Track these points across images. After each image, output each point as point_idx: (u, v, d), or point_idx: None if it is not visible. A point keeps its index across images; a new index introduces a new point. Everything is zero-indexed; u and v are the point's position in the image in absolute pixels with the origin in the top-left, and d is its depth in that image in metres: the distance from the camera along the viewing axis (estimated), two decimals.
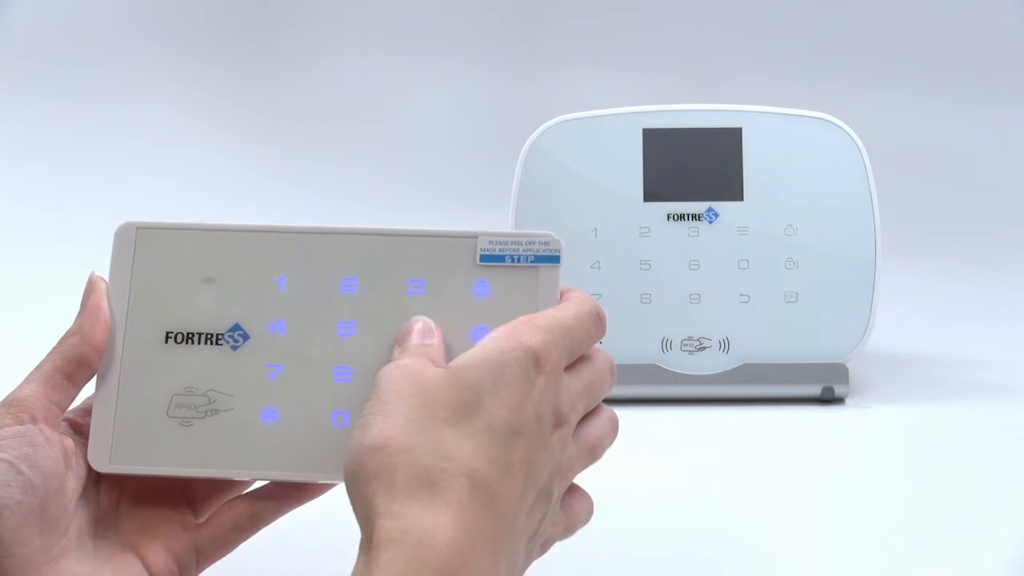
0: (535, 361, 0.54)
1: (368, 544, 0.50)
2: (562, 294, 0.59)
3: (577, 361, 0.58)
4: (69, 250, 1.33)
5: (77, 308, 0.60)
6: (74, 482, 0.58)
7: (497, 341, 0.54)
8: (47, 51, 1.61)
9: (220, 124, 1.57)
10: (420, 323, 0.58)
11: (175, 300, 0.60)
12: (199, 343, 0.60)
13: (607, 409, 0.59)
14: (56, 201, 1.47)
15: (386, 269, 0.60)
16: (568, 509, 0.58)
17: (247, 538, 0.61)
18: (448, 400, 0.53)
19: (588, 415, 0.58)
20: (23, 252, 1.36)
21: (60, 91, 1.58)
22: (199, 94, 1.59)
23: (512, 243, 0.60)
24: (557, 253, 0.60)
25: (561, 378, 0.55)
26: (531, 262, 0.60)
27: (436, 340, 0.57)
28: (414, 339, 0.57)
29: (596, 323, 0.58)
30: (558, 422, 0.55)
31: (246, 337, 0.60)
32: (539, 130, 1.04)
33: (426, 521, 0.49)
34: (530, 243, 0.60)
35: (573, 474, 0.57)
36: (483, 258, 0.60)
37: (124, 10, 1.62)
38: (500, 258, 0.60)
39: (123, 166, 1.52)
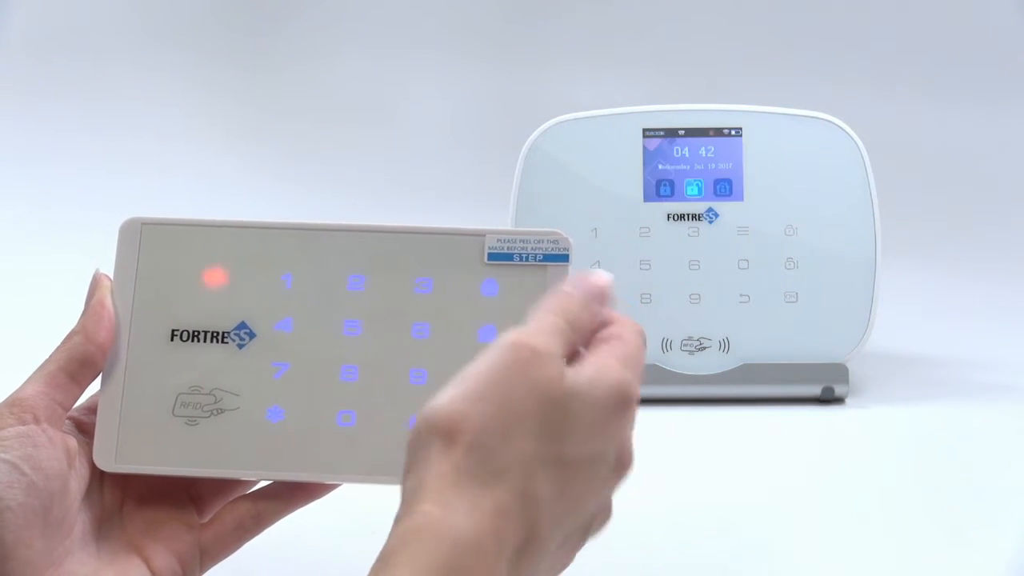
0: (623, 400, 0.52)
1: (407, 513, 0.48)
2: (612, 320, 0.56)
3: None
4: (72, 248, 1.33)
5: (81, 306, 0.60)
6: (77, 482, 0.57)
7: (594, 377, 0.52)
8: (47, 49, 1.61)
9: (220, 123, 1.57)
10: (599, 277, 0.55)
11: (181, 297, 0.60)
12: (205, 341, 0.60)
13: None
14: (58, 198, 1.47)
15: (394, 267, 0.60)
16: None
17: (251, 538, 0.61)
18: (542, 419, 0.50)
19: None
20: (25, 250, 1.36)
21: (60, 89, 1.58)
22: (199, 92, 1.59)
23: (521, 241, 0.59)
24: (566, 251, 0.60)
25: (634, 419, 0.54)
26: (540, 261, 0.59)
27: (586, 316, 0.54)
28: (569, 306, 0.54)
29: (645, 352, 0.56)
30: (623, 462, 0.54)
31: (252, 335, 0.60)
32: (539, 130, 1.04)
33: (470, 522, 0.48)
34: (539, 241, 0.60)
35: (611, 512, 0.55)
36: (491, 256, 0.59)
37: (125, 9, 1.62)
38: (508, 256, 0.59)
39: (124, 164, 1.52)
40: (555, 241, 0.59)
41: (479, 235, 0.60)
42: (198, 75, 1.59)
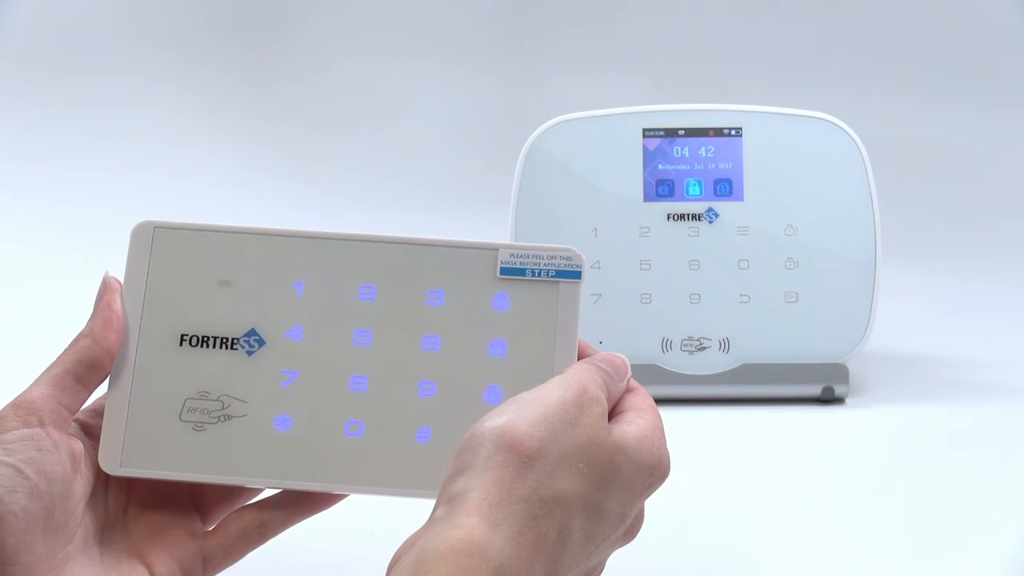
0: (661, 472, 0.55)
1: (450, 518, 0.49)
2: (635, 388, 0.59)
3: None
4: (74, 248, 1.33)
5: (89, 309, 0.59)
6: (82, 486, 0.57)
7: (642, 441, 0.54)
8: (49, 54, 1.61)
9: (221, 126, 1.57)
10: (621, 359, 0.58)
11: (191, 302, 0.60)
12: (214, 347, 0.59)
13: None
14: (62, 202, 1.47)
15: (405, 278, 0.59)
16: None
17: (255, 548, 0.60)
18: (596, 464, 0.52)
19: None
20: (33, 253, 1.36)
21: (62, 94, 1.58)
22: (200, 97, 1.59)
23: (533, 256, 0.59)
24: (579, 269, 0.59)
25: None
26: (552, 277, 0.59)
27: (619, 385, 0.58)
28: (609, 371, 0.57)
29: None
30: (635, 528, 0.56)
31: (262, 343, 0.59)
32: (539, 130, 1.04)
33: (512, 549, 0.49)
34: (551, 257, 0.59)
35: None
36: (504, 271, 0.59)
37: (126, 14, 1.62)
38: (521, 271, 0.59)
39: (127, 167, 1.52)
40: (568, 258, 0.59)
41: (492, 249, 0.59)
42: (201, 80, 1.59)
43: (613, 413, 0.56)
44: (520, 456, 0.50)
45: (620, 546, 0.56)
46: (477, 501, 0.49)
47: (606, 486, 0.52)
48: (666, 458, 0.55)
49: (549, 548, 0.50)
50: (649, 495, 0.55)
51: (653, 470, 0.54)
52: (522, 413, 0.52)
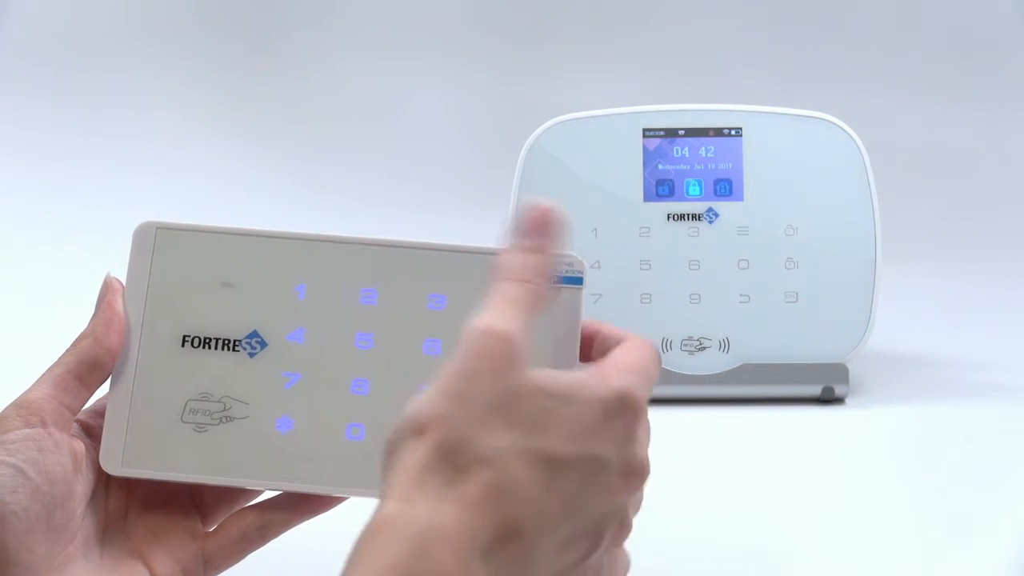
0: (621, 405, 0.51)
1: (372, 516, 0.48)
2: (625, 338, 0.56)
3: None
4: (76, 249, 1.33)
5: (91, 309, 0.59)
6: (83, 486, 0.57)
7: (590, 376, 0.52)
8: (47, 53, 1.61)
9: (221, 126, 1.57)
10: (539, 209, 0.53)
11: (193, 303, 0.59)
12: (216, 348, 0.59)
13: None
14: (63, 201, 1.47)
15: (408, 282, 0.59)
16: (613, 563, 0.55)
17: (255, 549, 0.60)
18: (515, 413, 0.49)
19: None
20: (34, 252, 1.36)
21: (62, 94, 1.58)
22: (200, 97, 1.59)
23: None
24: (580, 275, 0.59)
25: (641, 425, 0.53)
26: (554, 283, 0.59)
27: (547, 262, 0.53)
28: (521, 270, 0.53)
29: (659, 368, 0.56)
30: (630, 469, 0.52)
31: (264, 344, 0.59)
32: (539, 130, 1.04)
33: (432, 514, 0.47)
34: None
35: (631, 527, 0.54)
36: None
37: (126, 14, 1.62)
38: None
39: (127, 168, 1.52)
40: (570, 264, 0.59)
41: (495, 253, 0.59)
42: (201, 80, 1.59)
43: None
44: (423, 434, 0.48)
45: (625, 494, 0.52)
46: (392, 490, 0.48)
47: (539, 431, 0.49)
48: (624, 391, 0.51)
49: (486, 506, 0.47)
50: (627, 432, 0.52)
51: (607, 404, 0.51)
52: (425, 393, 0.50)
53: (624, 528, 0.53)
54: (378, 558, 0.46)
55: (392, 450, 0.49)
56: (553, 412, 0.50)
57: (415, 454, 0.48)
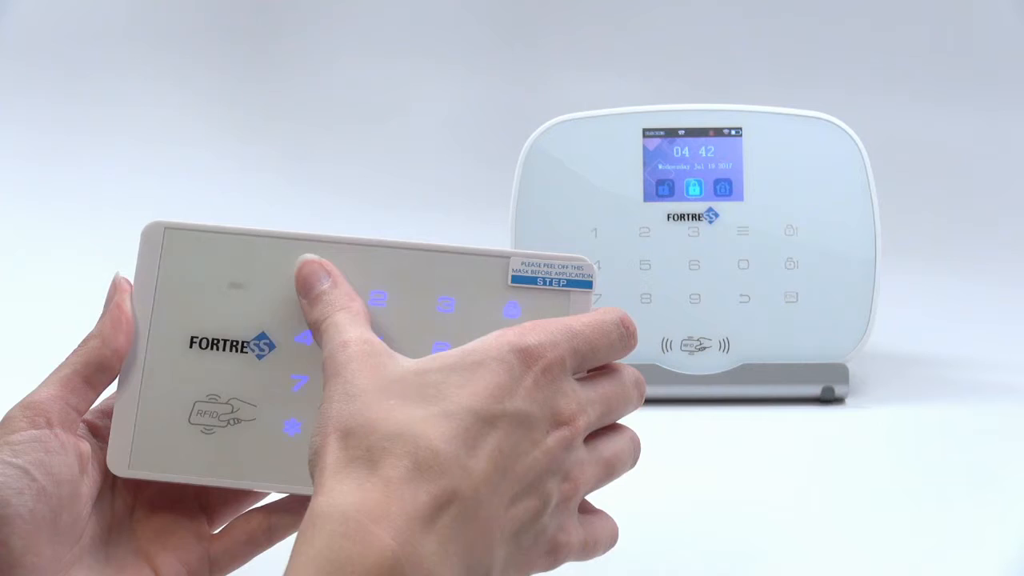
0: (523, 358, 0.53)
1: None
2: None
3: (597, 371, 0.56)
4: (78, 249, 1.33)
5: (98, 310, 0.59)
6: (89, 488, 0.57)
7: (481, 341, 0.53)
8: (47, 53, 1.61)
9: (221, 127, 1.57)
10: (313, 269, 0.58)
11: (201, 304, 0.59)
12: (224, 350, 0.59)
13: (629, 429, 0.57)
14: (71, 201, 1.47)
15: (416, 284, 0.59)
16: (588, 527, 0.55)
17: (261, 551, 0.60)
18: (406, 391, 0.52)
19: (607, 430, 0.56)
20: (41, 253, 1.36)
21: (63, 93, 1.58)
22: (200, 97, 1.59)
23: (545, 265, 0.59)
24: (590, 278, 0.59)
25: (562, 379, 0.54)
26: (563, 286, 0.59)
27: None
28: (334, 299, 0.57)
29: (618, 331, 0.56)
30: (557, 422, 0.53)
31: (272, 346, 0.59)
32: (539, 130, 1.04)
33: (356, 496, 0.49)
34: (563, 267, 0.59)
35: (584, 483, 0.54)
36: (515, 279, 0.59)
37: (127, 14, 1.62)
38: (532, 280, 0.59)
39: (133, 167, 1.52)
40: (579, 267, 0.59)
41: (504, 257, 0.59)
42: (202, 81, 1.59)
43: None
44: (332, 435, 0.51)
45: (557, 443, 0.53)
46: (316, 490, 0.50)
47: (436, 400, 0.51)
48: (529, 347, 0.53)
49: (413, 477, 0.49)
50: (545, 385, 0.53)
51: (505, 361, 0.52)
52: (323, 404, 0.53)
53: (570, 482, 0.54)
54: (309, 546, 0.48)
55: (314, 459, 0.51)
56: (444, 381, 0.52)
57: (332, 454, 0.50)
